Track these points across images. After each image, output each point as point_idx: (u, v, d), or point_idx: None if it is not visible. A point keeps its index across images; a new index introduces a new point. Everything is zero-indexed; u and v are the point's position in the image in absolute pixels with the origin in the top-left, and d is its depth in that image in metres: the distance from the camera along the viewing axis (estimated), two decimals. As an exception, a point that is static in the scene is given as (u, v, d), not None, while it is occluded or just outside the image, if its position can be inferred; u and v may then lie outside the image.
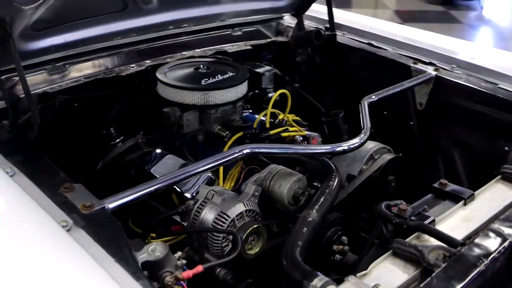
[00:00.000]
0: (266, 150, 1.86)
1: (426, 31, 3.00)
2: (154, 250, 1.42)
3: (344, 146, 2.05)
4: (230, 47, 2.79)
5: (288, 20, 3.14)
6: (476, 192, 1.78)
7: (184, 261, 1.48)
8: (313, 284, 1.37)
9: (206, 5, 2.66)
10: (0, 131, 1.86)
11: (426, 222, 1.57)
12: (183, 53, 2.63)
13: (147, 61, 2.50)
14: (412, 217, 1.61)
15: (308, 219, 1.70)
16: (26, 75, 2.18)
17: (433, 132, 2.61)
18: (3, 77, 2.06)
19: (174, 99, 2.30)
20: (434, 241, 1.51)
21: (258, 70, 2.84)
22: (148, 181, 1.62)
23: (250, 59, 2.95)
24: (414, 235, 1.56)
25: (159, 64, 2.49)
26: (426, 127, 2.63)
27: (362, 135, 2.09)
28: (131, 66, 2.45)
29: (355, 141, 2.06)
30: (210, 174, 2.15)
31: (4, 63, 1.97)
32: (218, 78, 2.35)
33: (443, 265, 1.34)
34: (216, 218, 1.80)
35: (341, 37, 2.92)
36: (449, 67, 2.58)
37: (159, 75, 2.36)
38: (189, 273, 1.43)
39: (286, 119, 2.34)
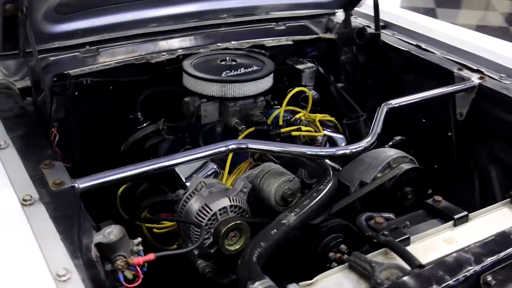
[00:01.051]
0: (255, 147, 1.81)
1: (484, 35, 2.76)
2: (110, 233, 1.44)
3: (346, 149, 1.96)
4: (269, 41, 2.76)
5: (341, 16, 3.03)
6: (475, 213, 1.63)
7: (140, 248, 1.49)
8: (253, 286, 1.33)
9: (246, -3, 2.65)
10: (15, 106, 1.97)
11: (399, 239, 1.47)
12: (218, 44, 2.64)
13: (180, 50, 2.54)
14: (385, 232, 1.51)
15: (282, 221, 1.65)
16: (60, 56, 2.34)
17: (471, 146, 2.41)
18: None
19: (195, 89, 2.32)
20: (400, 260, 1.41)
21: (298, 66, 2.78)
22: (125, 166, 1.65)
23: (293, 54, 2.89)
24: (381, 250, 1.46)
25: (192, 53, 2.53)
26: (464, 140, 2.43)
27: (367, 140, 1.99)
28: (163, 54, 2.51)
29: (359, 145, 1.97)
30: (215, 167, 2.16)
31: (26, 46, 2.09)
32: (240, 71, 2.33)
33: (385, 285, 1.24)
34: (199, 210, 1.80)
35: (389, 37, 2.78)
36: (498, 76, 2.36)
37: (184, 64, 2.39)
38: (139, 259, 1.44)
39: (301, 118, 2.28)
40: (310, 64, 2.80)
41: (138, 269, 1.47)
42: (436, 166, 2.54)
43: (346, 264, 1.40)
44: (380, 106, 2.13)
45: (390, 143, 2.43)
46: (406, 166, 2.13)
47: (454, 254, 1.35)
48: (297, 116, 2.30)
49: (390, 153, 2.19)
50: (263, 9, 2.72)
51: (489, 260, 1.32)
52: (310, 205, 1.74)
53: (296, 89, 2.34)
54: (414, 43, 2.70)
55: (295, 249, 2.03)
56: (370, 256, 1.45)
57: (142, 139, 2.42)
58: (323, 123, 2.50)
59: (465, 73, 2.40)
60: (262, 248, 1.53)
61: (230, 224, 1.77)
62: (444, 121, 2.47)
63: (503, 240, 1.40)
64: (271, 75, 2.40)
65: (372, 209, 2.12)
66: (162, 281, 1.99)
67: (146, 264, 1.53)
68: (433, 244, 1.50)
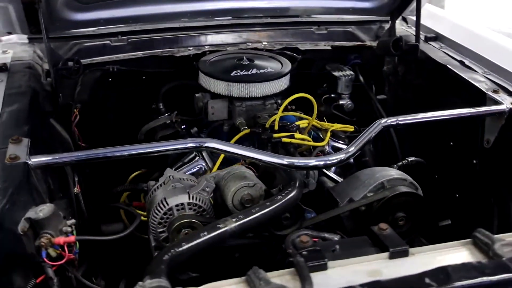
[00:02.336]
0: (213, 146, 1.76)
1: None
2: (41, 210, 1.52)
3: (320, 161, 1.85)
4: (304, 45, 2.68)
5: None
6: (424, 248, 1.46)
7: (69, 229, 1.55)
8: (142, 283, 1.32)
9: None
10: (25, 84, 2.11)
11: (314, 262, 1.36)
12: (248, 44, 2.63)
13: (207, 47, 2.57)
14: (304, 252, 1.41)
15: (218, 225, 1.61)
16: (91, 43, 2.49)
17: (494, 178, 2.14)
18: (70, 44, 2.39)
19: (205, 86, 2.34)
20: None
21: (335, 73, 2.68)
22: (79, 151, 1.72)
23: (335, 61, 2.79)
24: (292, 269, 1.37)
25: (217, 51, 2.55)
26: (488, 170, 2.17)
27: (347, 151, 1.86)
28: (189, 48, 2.55)
29: (335, 157, 1.85)
30: (203, 164, 2.16)
31: (52, 31, 2.26)
32: (250, 72, 2.30)
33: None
34: (158, 203, 1.82)
35: (432, 50, 2.56)
36: None
37: (201, 60, 2.42)
38: (60, 239, 1.50)
39: (299, 125, 2.19)
40: (348, 72, 2.69)
41: (66, 248, 1.54)
42: (457, 195, 2.31)
43: (244, 277, 1.33)
44: (375, 122, 1.98)
45: (400, 163, 2.26)
46: (400, 189, 1.96)
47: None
48: (297, 122, 2.22)
49: (388, 173, 2.04)
50: (296, 11, 2.65)
51: (382, 300, 1.18)
52: (259, 214, 1.68)
53: (297, 95, 2.23)
54: (459, 58, 2.46)
55: (270, 257, 1.98)
56: (279, 273, 1.37)
57: (156, 129, 2.49)
58: (336, 134, 2.39)
59: (499, 96, 2.13)
60: (181, 248, 1.52)
61: (183, 221, 1.77)
62: (471, 147, 2.23)
63: (414, 282, 1.24)
64: (284, 78, 2.33)
65: (363, 229, 2.02)
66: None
67: (77, 244, 1.60)
68: (352, 274, 1.36)
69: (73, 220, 1.57)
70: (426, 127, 2.45)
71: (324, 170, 2.24)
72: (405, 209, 1.96)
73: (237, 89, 2.25)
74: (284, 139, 2.07)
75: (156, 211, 1.81)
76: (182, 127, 2.44)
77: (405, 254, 1.42)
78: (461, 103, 2.21)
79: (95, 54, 2.48)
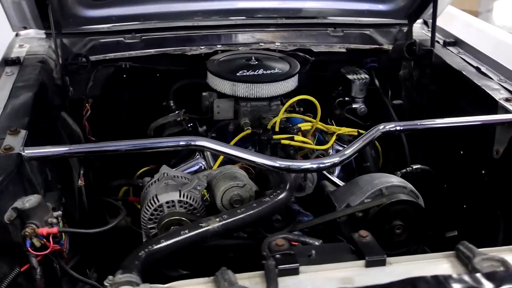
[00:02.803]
0: (204, 144, 1.75)
1: None
2: (28, 201, 1.56)
3: (313, 164, 1.81)
4: (318, 47, 2.64)
5: (416, 28, 2.78)
6: (405, 258, 1.43)
7: (55, 220, 1.58)
8: (112, 277, 1.34)
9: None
10: (34, 77, 2.16)
11: (285, 266, 1.34)
12: (261, 44, 2.61)
13: (219, 46, 2.57)
14: (277, 256, 1.39)
15: (200, 224, 1.61)
16: (106, 39, 2.54)
17: (501, 190, 2.06)
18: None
19: (212, 85, 2.34)
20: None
21: (349, 76, 2.64)
22: (72, 145, 1.75)
23: (351, 63, 2.74)
24: (261, 272, 1.35)
25: (229, 50, 2.55)
26: (496, 182, 2.08)
27: (341, 154, 1.82)
28: (201, 47, 2.56)
29: (328, 160, 1.81)
30: (203, 163, 2.16)
31: (65, 27, 2.31)
32: (257, 72, 2.29)
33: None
34: (149, 200, 1.83)
35: (448, 55, 2.47)
36: None
37: (209, 59, 2.42)
38: (43, 231, 1.53)
39: (300, 127, 2.16)
40: (362, 75, 2.64)
41: (51, 239, 1.57)
42: (465, 206, 2.23)
43: (212, 277, 1.33)
44: (374, 127, 1.93)
45: (404, 170, 2.20)
46: (398, 197, 1.91)
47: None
48: (300, 125, 2.19)
49: (387, 179, 1.99)
50: (310, 12, 2.62)
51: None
52: (244, 214, 1.67)
53: (299, 97, 2.21)
54: (475, 64, 2.37)
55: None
56: (249, 275, 1.36)
57: (164, 126, 2.51)
58: (342, 138, 2.35)
59: (511, 104, 2.05)
60: (159, 246, 1.52)
61: (172, 218, 1.77)
62: (480, 157, 2.15)
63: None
64: (290, 80, 2.31)
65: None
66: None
67: (64, 237, 1.63)
68: (324, 280, 1.33)
69: (59, 212, 1.60)
70: (438, 135, 2.38)
71: (327, 174, 2.21)
72: (402, 218, 1.91)
73: (242, 89, 2.24)
74: (283, 141, 2.05)
75: (147, 207, 1.82)
76: (189, 125, 2.44)
77: (382, 263, 1.38)
78: (473, 111, 2.14)
79: (109, 50, 2.53)
